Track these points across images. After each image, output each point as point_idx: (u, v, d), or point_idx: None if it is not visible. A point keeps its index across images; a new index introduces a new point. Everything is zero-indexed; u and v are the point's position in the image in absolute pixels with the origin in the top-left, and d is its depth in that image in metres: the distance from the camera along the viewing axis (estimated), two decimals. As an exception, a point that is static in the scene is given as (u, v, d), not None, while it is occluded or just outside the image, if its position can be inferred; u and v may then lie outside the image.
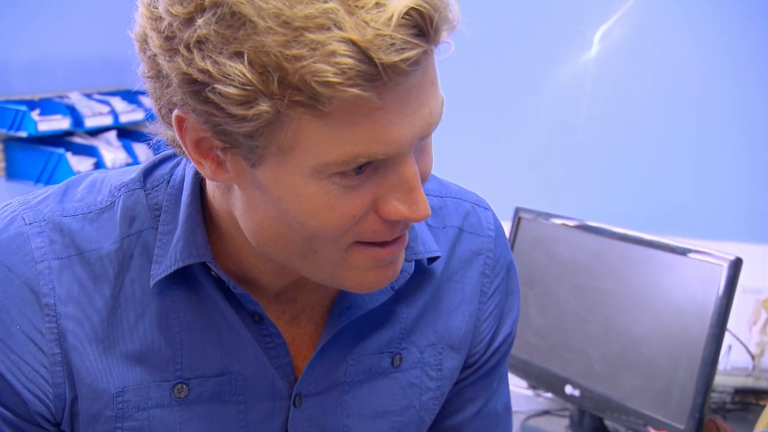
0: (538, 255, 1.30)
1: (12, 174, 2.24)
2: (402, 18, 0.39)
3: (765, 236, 1.93)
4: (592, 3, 2.21)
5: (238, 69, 0.41)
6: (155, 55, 0.46)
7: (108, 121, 2.28)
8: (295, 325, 0.65)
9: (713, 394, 1.31)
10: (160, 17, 0.43)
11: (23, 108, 2.04)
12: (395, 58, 0.40)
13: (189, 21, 0.42)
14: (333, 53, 0.39)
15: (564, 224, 1.33)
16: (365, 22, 0.39)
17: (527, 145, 2.31)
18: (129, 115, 2.34)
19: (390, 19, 0.39)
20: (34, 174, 2.19)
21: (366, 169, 0.47)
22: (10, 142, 2.20)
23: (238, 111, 0.43)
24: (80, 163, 2.15)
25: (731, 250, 1.21)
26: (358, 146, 0.44)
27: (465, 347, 0.72)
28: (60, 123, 2.16)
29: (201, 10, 0.41)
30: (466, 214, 0.71)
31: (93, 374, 0.60)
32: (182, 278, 0.59)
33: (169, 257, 0.58)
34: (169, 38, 0.44)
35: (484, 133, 2.29)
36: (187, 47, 0.42)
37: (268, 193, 0.50)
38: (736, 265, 1.06)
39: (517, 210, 1.35)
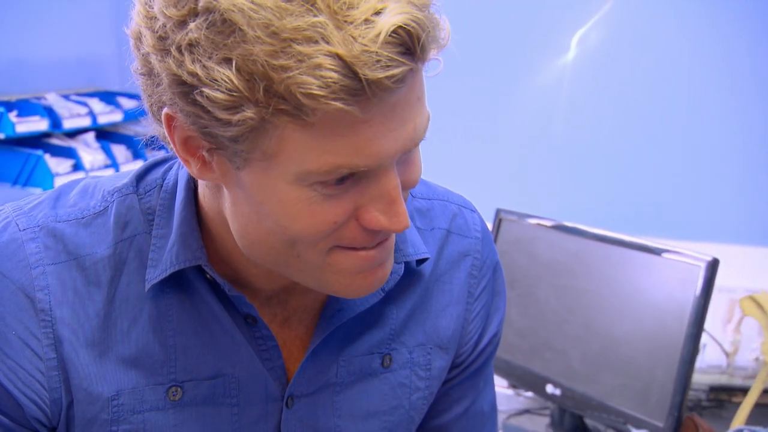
0: (518, 256, 1.30)
1: (-11, 176, 2.18)
2: (389, 36, 0.39)
3: (736, 236, 1.97)
4: (569, 8, 2.23)
5: (226, 75, 0.41)
6: (148, 54, 0.46)
7: (86, 122, 2.26)
8: (286, 328, 0.65)
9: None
10: (155, 17, 0.44)
11: (0, 109, 2.00)
12: (380, 74, 0.40)
13: (182, 24, 0.42)
14: (319, 66, 0.39)
15: (544, 225, 1.33)
16: (353, 38, 0.39)
17: (507, 147, 2.33)
18: (107, 116, 2.30)
19: (378, 36, 0.39)
20: (12, 176, 2.14)
21: (348, 179, 0.47)
22: (-12, 143, 2.13)
23: (224, 115, 0.43)
24: (58, 165, 2.11)
25: (704, 250, 1.23)
26: (340, 158, 0.44)
27: (453, 347, 0.72)
28: (38, 124, 2.14)
29: (194, 14, 0.41)
30: (453, 216, 0.72)
31: (88, 378, 0.60)
32: (176, 282, 0.59)
33: (165, 261, 0.58)
34: (162, 38, 0.44)
35: (464, 136, 2.31)
36: (179, 49, 0.43)
37: (252, 195, 0.50)
38: (713, 266, 1.07)
39: (498, 211, 1.35)
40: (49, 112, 2.15)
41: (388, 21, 0.40)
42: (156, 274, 0.59)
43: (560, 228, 1.34)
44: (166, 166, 0.64)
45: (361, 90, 0.41)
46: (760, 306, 1.28)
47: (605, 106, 2.20)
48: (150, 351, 0.62)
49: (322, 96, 0.40)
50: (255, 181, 0.49)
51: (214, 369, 0.64)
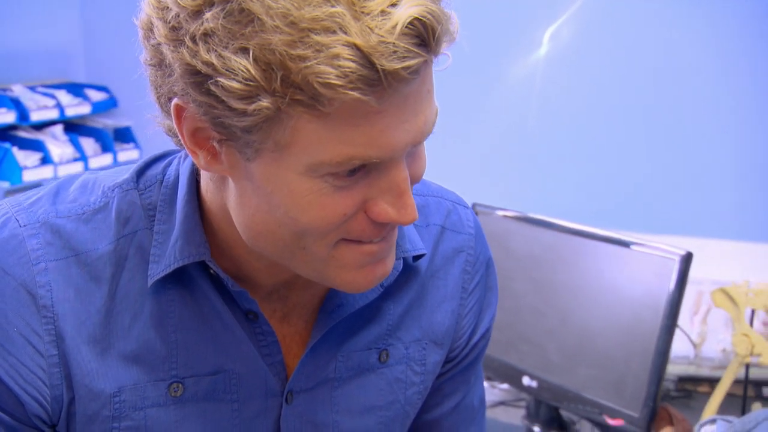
0: (494, 249, 1.30)
1: (-43, 169, 2.14)
2: (406, 27, 0.40)
3: (703, 229, 1.98)
4: (541, 3, 2.24)
5: (243, 64, 0.42)
6: (159, 44, 0.46)
7: (54, 114, 2.23)
8: (285, 324, 0.65)
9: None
10: (167, 7, 0.44)
11: (-34, 101, 1.92)
12: (397, 65, 0.41)
13: (197, 13, 0.42)
14: (337, 56, 0.40)
15: (520, 219, 1.35)
16: (370, 29, 0.40)
17: (480, 142, 2.34)
18: (75, 108, 2.28)
19: (394, 27, 0.39)
20: (-20, 169, 2.12)
21: (359, 171, 0.47)
22: (-46, 136, 2.10)
23: (239, 105, 0.43)
24: (27, 158, 2.11)
25: (672, 242, 1.26)
26: (353, 148, 0.45)
27: (447, 342, 0.73)
28: (4, 117, 2.13)
29: (210, 3, 0.42)
30: (447, 213, 0.73)
31: (90, 375, 0.60)
32: (178, 278, 0.59)
33: (168, 257, 0.58)
34: (175, 29, 0.44)
35: (437, 132, 2.36)
36: (193, 39, 0.43)
37: (261, 187, 0.50)
38: (687, 260, 1.10)
39: (474, 206, 1.37)
40: (16, 104, 2.11)
41: (405, 12, 0.40)
42: (159, 269, 0.58)
43: (535, 222, 1.36)
44: (166, 161, 0.64)
45: (377, 80, 0.41)
46: (731, 298, 1.30)
47: (577, 101, 2.23)
48: (151, 347, 0.62)
49: (340, 86, 0.41)
50: (265, 172, 0.49)
51: (215, 365, 0.64)
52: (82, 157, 2.27)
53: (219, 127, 0.47)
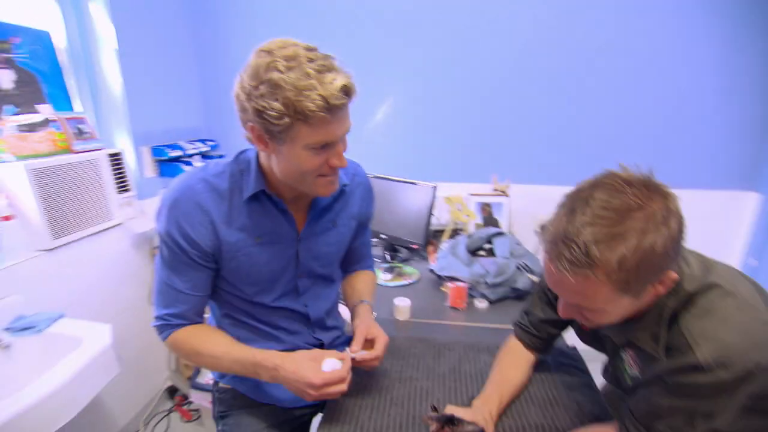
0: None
1: None
2: (340, 89, 0.88)
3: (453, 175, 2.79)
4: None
5: (276, 105, 0.89)
6: (242, 101, 0.93)
7: (195, 151, 2.74)
8: (297, 213, 1.16)
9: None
10: (244, 86, 0.92)
11: None
12: (337, 102, 0.88)
13: (256, 87, 0.89)
14: (314, 100, 0.87)
15: (371, 176, 2.03)
16: (327, 88, 0.87)
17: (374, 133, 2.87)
18: (203, 148, 2.80)
19: (336, 88, 0.88)
20: None
21: (324, 147, 0.94)
22: None
23: (275, 121, 0.89)
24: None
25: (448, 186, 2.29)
26: (322, 137, 0.92)
27: (357, 218, 1.29)
28: (176, 152, 2.60)
29: (261, 82, 0.89)
30: (356, 167, 1.28)
31: (225, 236, 1.08)
32: (255, 197, 1.07)
33: (250, 188, 1.06)
34: (248, 95, 0.91)
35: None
36: (256, 97, 0.89)
37: (286, 156, 0.97)
38: (434, 189, 2.13)
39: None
40: (181, 147, 2.63)
41: (340, 82, 0.87)
42: (248, 193, 1.06)
43: (377, 178, 2.31)
44: (245, 153, 1.11)
45: (330, 109, 0.87)
46: (451, 201, 2.50)
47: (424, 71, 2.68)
48: (247, 224, 1.08)
49: (317, 111, 0.87)
50: (287, 150, 0.95)
51: (272, 229, 1.12)
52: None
53: (268, 133, 0.91)
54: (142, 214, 2.39)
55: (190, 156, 2.71)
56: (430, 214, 2.21)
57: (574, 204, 0.81)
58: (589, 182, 0.84)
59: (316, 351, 1.09)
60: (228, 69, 2.92)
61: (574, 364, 1.42)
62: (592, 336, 1.17)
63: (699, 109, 2.49)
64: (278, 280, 1.16)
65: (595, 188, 0.81)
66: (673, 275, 0.85)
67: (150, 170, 2.53)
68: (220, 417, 1.31)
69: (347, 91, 0.90)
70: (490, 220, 2.66)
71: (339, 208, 1.23)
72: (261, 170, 1.09)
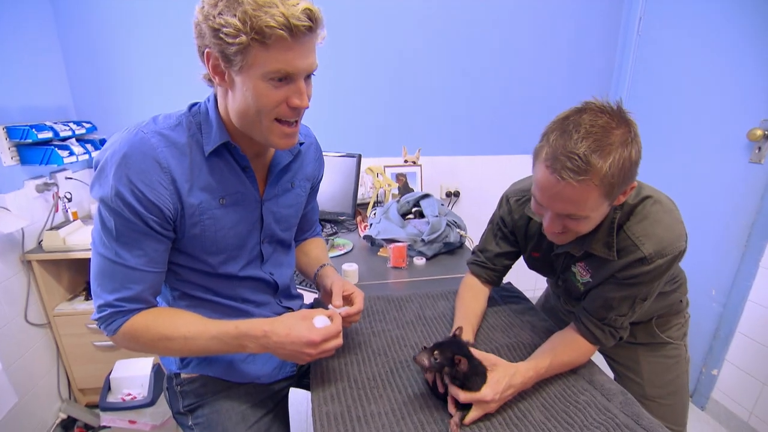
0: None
1: None
2: (302, 11, 0.81)
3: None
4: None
5: (233, 21, 0.80)
6: (200, 23, 0.85)
7: (69, 133, 2.30)
8: (258, 172, 1.09)
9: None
10: (203, 7, 0.85)
11: None
12: (298, 23, 0.80)
13: (215, 5, 0.83)
14: (273, 16, 0.79)
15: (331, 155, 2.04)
16: (289, 8, 0.80)
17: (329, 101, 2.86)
18: (79, 129, 2.38)
19: (298, 10, 0.81)
20: None
21: (284, 80, 0.86)
22: None
23: (230, 40, 0.81)
24: (61, 152, 2.19)
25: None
26: (281, 65, 0.84)
27: (311, 180, 1.27)
28: (47, 134, 2.16)
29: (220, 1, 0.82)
30: (308, 130, 1.28)
31: (187, 197, 0.96)
32: (216, 151, 0.97)
33: (213, 140, 0.96)
34: (206, 16, 0.84)
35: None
36: (215, 16, 0.82)
37: (241, 90, 0.87)
38: (359, 157, 2.31)
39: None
40: (52, 129, 2.18)
41: (303, 5, 0.81)
42: (210, 147, 0.96)
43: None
44: (197, 104, 1.01)
45: (290, 28, 0.80)
46: (372, 170, 2.58)
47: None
48: (210, 183, 0.98)
49: (275, 27, 0.78)
50: (243, 80, 0.86)
51: (235, 189, 1.03)
52: (87, 151, 2.36)
53: (223, 56, 0.83)
54: (4, 212, 2.03)
55: (63, 140, 2.27)
56: (357, 184, 2.29)
57: (565, 127, 0.94)
58: (573, 111, 0.97)
59: (303, 310, 1.04)
60: (100, 32, 2.51)
61: (515, 294, 1.65)
62: (542, 262, 1.36)
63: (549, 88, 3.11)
64: (244, 246, 1.08)
65: (582, 113, 0.95)
66: (633, 184, 1.00)
67: (7, 156, 2.07)
68: (188, 411, 1.19)
69: (311, 16, 0.83)
70: (406, 189, 2.80)
71: (296, 168, 1.19)
72: (221, 120, 0.99)
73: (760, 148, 2.22)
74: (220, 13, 0.81)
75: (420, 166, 2.83)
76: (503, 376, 1.04)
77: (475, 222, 2.88)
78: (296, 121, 0.95)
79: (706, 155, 2.47)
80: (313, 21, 0.83)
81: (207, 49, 0.86)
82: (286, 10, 0.79)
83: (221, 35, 0.81)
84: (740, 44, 2.28)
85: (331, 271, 1.27)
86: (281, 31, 0.80)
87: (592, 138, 0.90)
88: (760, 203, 2.21)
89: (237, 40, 0.80)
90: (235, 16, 0.79)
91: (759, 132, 2.18)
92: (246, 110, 0.90)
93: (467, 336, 1.26)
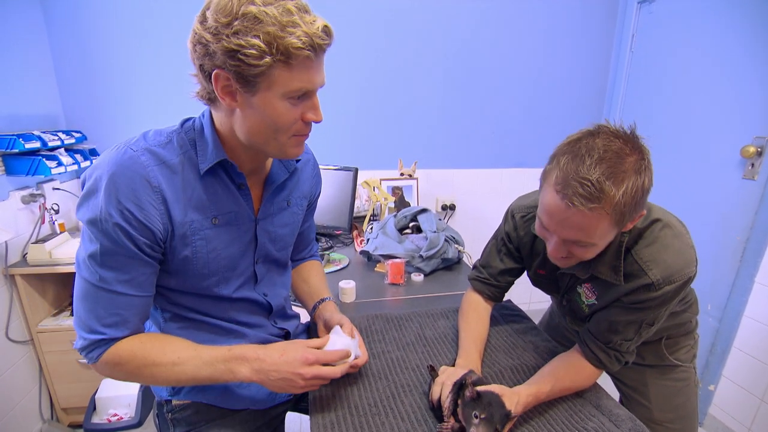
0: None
1: None
2: (322, 29, 0.78)
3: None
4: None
5: (255, 42, 0.74)
6: (207, 43, 0.77)
7: (59, 143, 2.23)
8: (254, 189, 1.03)
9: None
10: (208, 25, 0.76)
11: None
12: (321, 42, 0.78)
13: (228, 24, 0.74)
14: (299, 36, 0.74)
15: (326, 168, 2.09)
16: (310, 27, 0.76)
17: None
18: (69, 140, 2.31)
19: (318, 28, 0.77)
20: None
21: (302, 97, 0.83)
22: None
23: (254, 62, 0.75)
24: (49, 163, 2.13)
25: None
26: (301, 84, 0.81)
27: (308, 198, 1.19)
28: (35, 143, 2.08)
29: (235, 18, 0.74)
30: (306, 148, 1.21)
31: (178, 216, 0.91)
32: (211, 169, 0.92)
33: (209, 158, 0.90)
34: (215, 34, 0.76)
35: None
36: (230, 35, 0.74)
37: (258, 109, 0.82)
38: (356, 171, 2.23)
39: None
40: (40, 139, 2.11)
41: (321, 23, 0.77)
42: (205, 165, 0.90)
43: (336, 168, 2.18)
44: (191, 120, 0.95)
45: (314, 48, 0.77)
46: (368, 184, 2.50)
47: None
48: (202, 202, 0.93)
49: (301, 48, 0.75)
50: (261, 99, 0.81)
51: (229, 209, 0.97)
52: (76, 162, 2.28)
53: (240, 79, 0.77)
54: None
55: (52, 149, 2.19)
56: (354, 197, 2.22)
57: (577, 151, 0.89)
58: (585, 133, 0.92)
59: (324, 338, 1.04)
60: (91, 40, 2.44)
61: (516, 313, 1.57)
62: (548, 280, 1.29)
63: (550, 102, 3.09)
64: (237, 267, 1.02)
65: (594, 137, 0.90)
66: (643, 212, 0.95)
67: (-9, 166, 1.97)
68: None
69: (329, 33, 0.81)
70: (402, 203, 2.74)
71: (292, 185, 1.13)
72: (218, 138, 0.94)
73: (753, 165, 2.19)
74: (235, 33, 0.75)
75: (416, 179, 2.78)
76: (509, 406, 0.99)
77: (470, 235, 2.86)
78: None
79: (700, 171, 2.45)
80: (330, 38, 0.81)
81: (216, 70, 0.80)
82: (308, 29, 0.76)
83: (240, 56, 0.76)
84: (733, 60, 2.27)
85: (333, 307, 1.22)
86: (308, 52, 0.77)
87: (606, 164, 0.85)
88: (754, 219, 2.18)
89: (260, 62, 0.76)
90: (258, 37, 0.74)
91: (752, 149, 2.16)
92: (262, 129, 0.86)
93: (476, 364, 1.19)
